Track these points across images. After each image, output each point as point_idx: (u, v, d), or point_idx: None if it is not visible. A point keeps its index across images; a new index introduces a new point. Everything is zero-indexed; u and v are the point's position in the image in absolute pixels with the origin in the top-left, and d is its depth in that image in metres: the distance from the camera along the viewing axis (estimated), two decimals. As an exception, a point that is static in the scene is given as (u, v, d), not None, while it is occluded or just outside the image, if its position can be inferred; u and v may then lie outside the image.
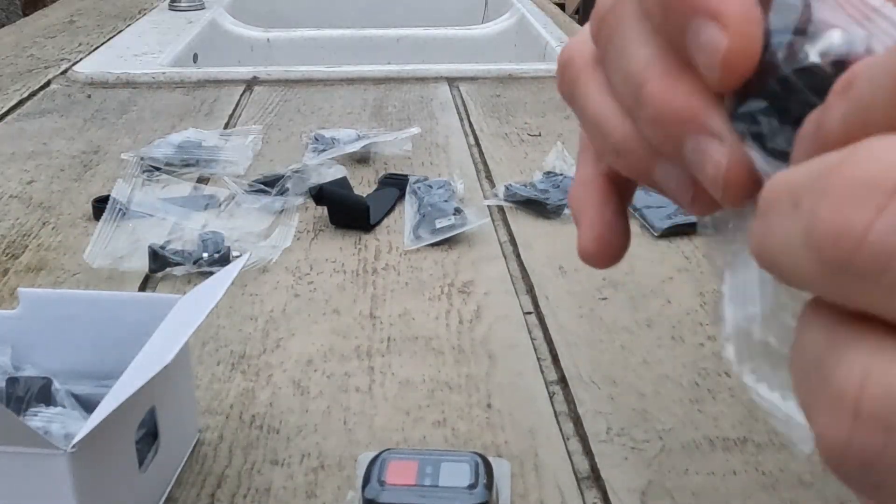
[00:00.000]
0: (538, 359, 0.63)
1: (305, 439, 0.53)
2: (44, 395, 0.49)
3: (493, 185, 0.97)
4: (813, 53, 0.21)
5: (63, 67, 1.42)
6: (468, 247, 0.81)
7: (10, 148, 1.06)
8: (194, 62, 1.56)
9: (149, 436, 0.47)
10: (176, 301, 0.49)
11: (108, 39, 1.60)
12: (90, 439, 0.39)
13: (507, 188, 0.91)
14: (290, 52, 1.70)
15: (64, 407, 0.49)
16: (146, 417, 0.46)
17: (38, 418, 0.47)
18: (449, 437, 0.54)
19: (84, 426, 0.39)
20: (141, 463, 0.45)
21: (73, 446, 0.39)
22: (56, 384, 0.50)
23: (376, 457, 0.46)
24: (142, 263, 0.74)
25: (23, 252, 0.79)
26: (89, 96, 1.28)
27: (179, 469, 0.51)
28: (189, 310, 0.47)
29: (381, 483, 0.44)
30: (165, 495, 0.48)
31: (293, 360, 0.62)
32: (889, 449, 0.17)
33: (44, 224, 0.85)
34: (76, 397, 0.50)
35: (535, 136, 1.09)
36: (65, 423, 0.47)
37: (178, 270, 0.73)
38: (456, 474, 0.44)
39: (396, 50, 1.72)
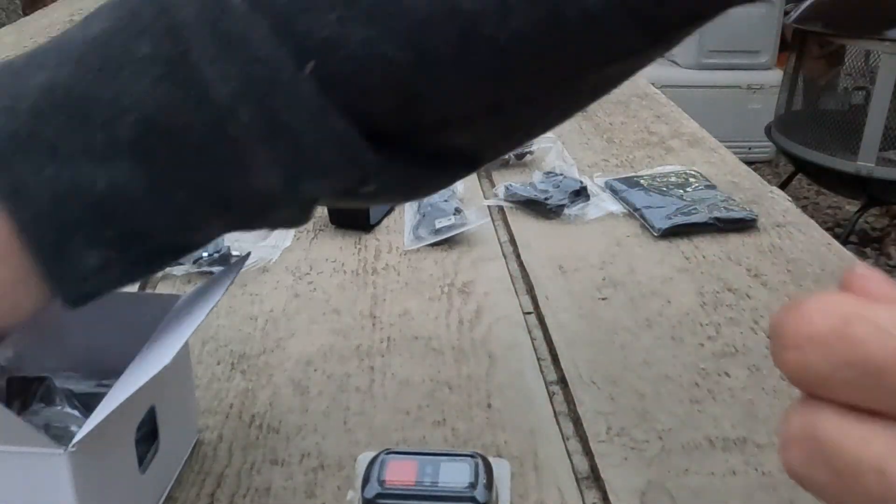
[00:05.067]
0: (538, 359, 0.63)
1: (305, 439, 0.53)
2: (44, 394, 0.49)
3: (493, 184, 0.97)
4: None
5: (63, 67, 1.42)
6: (468, 247, 0.81)
7: (10, 148, 1.06)
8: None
9: (149, 435, 0.47)
10: (176, 300, 0.49)
11: (109, 39, 1.60)
12: (90, 439, 0.39)
13: (507, 188, 0.91)
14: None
15: (63, 406, 0.49)
16: (146, 417, 0.46)
17: (38, 417, 0.47)
18: (449, 437, 0.54)
19: (84, 426, 0.39)
20: (141, 463, 0.45)
21: (73, 445, 0.39)
22: (55, 383, 0.50)
23: (376, 457, 0.46)
24: (142, 263, 0.74)
25: (23, 252, 0.79)
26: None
27: (179, 469, 0.50)
28: (189, 309, 0.47)
29: (381, 483, 0.44)
30: (165, 495, 0.48)
31: (293, 360, 0.62)
32: None
33: (44, 224, 0.85)
34: (76, 397, 0.50)
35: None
36: (64, 423, 0.47)
37: (177, 270, 0.73)
38: (456, 474, 0.44)
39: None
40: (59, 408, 0.49)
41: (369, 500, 0.44)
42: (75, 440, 0.39)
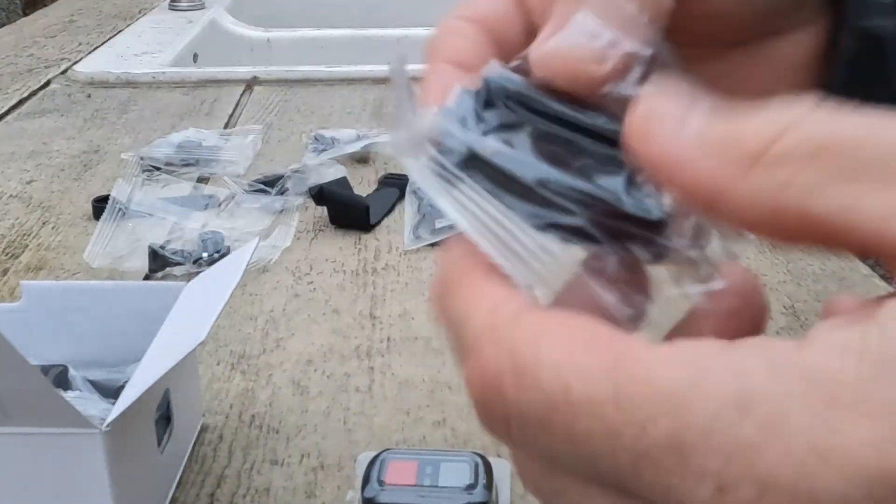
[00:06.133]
0: (538, 359, 0.62)
1: (305, 439, 0.53)
2: (61, 381, 0.50)
3: (493, 185, 0.97)
4: None
5: (63, 67, 1.42)
6: (468, 247, 0.80)
7: (9, 148, 1.06)
8: (194, 62, 1.55)
9: (161, 420, 0.48)
10: (180, 289, 0.50)
11: (108, 39, 1.60)
12: (120, 419, 0.39)
13: (507, 188, 0.91)
14: (290, 52, 1.69)
15: (82, 391, 0.49)
16: (161, 401, 0.46)
17: None
18: (449, 437, 0.54)
19: (116, 405, 0.39)
20: (158, 444, 0.46)
21: (108, 425, 0.39)
22: (72, 370, 0.50)
23: (376, 457, 0.46)
24: (141, 263, 0.74)
25: (23, 252, 0.79)
26: (89, 96, 1.28)
27: (189, 451, 0.51)
28: (204, 293, 0.47)
29: (381, 483, 0.44)
30: (178, 477, 0.49)
31: (293, 360, 0.62)
32: None
33: (44, 224, 0.85)
34: (92, 383, 0.51)
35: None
36: (85, 406, 0.47)
37: (177, 270, 0.73)
38: (456, 474, 0.44)
39: (397, 50, 1.71)
40: (77, 392, 0.49)
41: (369, 500, 0.44)
42: (109, 419, 0.39)
